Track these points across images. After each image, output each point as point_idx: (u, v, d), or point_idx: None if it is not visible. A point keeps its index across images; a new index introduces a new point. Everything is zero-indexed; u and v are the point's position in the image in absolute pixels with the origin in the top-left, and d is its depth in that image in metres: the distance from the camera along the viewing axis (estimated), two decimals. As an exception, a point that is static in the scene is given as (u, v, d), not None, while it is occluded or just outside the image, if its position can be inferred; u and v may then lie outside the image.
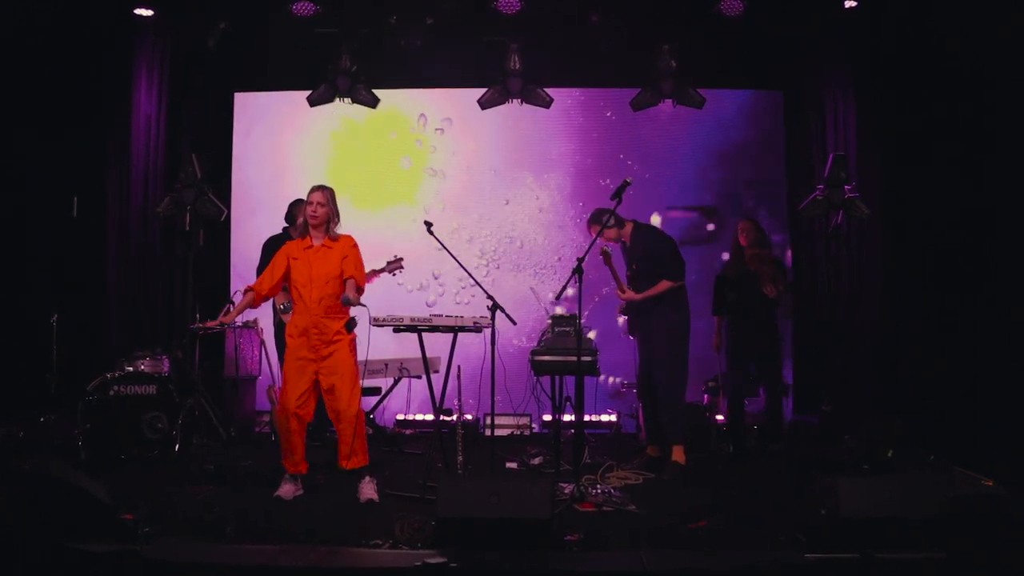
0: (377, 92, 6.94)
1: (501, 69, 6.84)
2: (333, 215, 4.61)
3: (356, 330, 4.65)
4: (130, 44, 6.85)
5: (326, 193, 4.59)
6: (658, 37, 6.79)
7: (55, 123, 6.61)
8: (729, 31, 6.64)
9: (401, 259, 5.82)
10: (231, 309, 6.47)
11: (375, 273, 5.81)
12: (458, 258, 4.98)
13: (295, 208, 6.15)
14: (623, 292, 5.45)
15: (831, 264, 6.70)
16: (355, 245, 4.65)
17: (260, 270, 6.18)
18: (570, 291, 5.24)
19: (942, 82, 6.22)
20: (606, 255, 5.42)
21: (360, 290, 4.56)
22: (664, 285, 5.30)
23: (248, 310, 4.87)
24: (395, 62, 7.08)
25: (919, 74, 6.36)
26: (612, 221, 5.34)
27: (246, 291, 4.69)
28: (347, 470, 4.53)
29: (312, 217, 4.53)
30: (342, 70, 6.81)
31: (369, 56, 6.93)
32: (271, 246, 6.22)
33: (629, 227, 5.53)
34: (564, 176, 7.50)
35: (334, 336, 4.50)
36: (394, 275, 5.82)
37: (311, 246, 4.59)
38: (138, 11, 6.59)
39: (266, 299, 4.76)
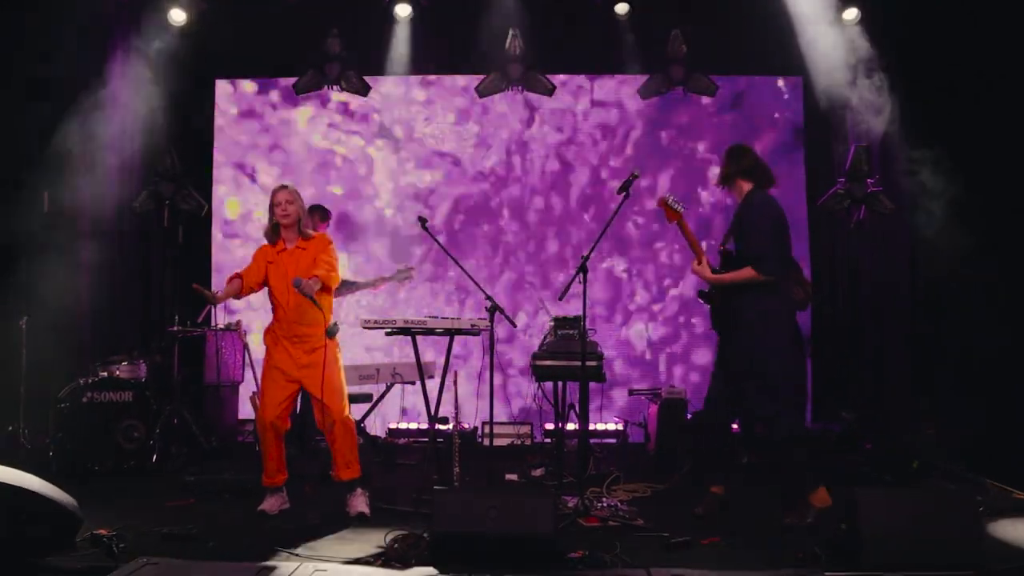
0: (368, 79, 6.95)
1: (501, 55, 6.85)
2: (303, 213, 4.60)
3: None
4: (105, 28, 6.86)
5: (291, 191, 4.57)
6: (669, 20, 6.80)
7: (24, 113, 6.60)
8: (744, 12, 6.65)
9: (412, 268, 5.76)
10: (212, 311, 6.49)
11: (383, 280, 5.78)
12: (457, 258, 4.99)
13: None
14: (699, 264, 4.42)
15: (852, 263, 6.70)
16: (329, 243, 4.63)
17: None
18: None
19: (977, 67, 6.18)
20: (670, 209, 4.40)
21: (327, 288, 4.50)
22: (747, 273, 4.24)
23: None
24: (388, 47, 7.07)
25: (950, 58, 6.32)
26: (733, 169, 4.40)
27: (232, 277, 4.66)
28: (344, 481, 4.53)
29: (284, 217, 4.50)
30: (331, 56, 6.81)
31: (360, 41, 6.92)
32: None
33: (747, 188, 4.42)
34: (569, 170, 7.51)
35: (315, 343, 4.50)
36: (404, 284, 5.68)
37: (284, 249, 4.58)
38: (113, -8, 6.62)
39: (250, 292, 4.71)
